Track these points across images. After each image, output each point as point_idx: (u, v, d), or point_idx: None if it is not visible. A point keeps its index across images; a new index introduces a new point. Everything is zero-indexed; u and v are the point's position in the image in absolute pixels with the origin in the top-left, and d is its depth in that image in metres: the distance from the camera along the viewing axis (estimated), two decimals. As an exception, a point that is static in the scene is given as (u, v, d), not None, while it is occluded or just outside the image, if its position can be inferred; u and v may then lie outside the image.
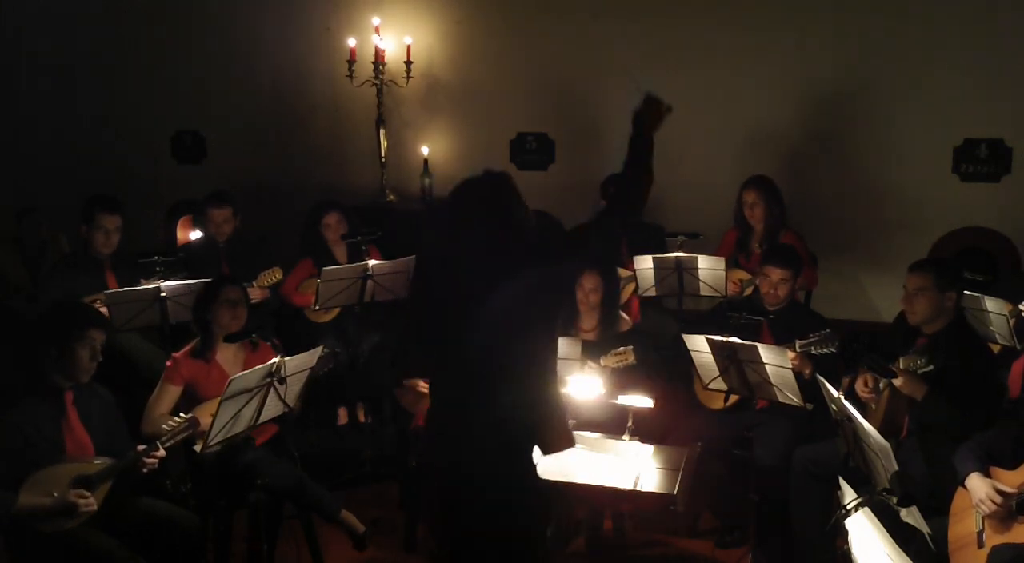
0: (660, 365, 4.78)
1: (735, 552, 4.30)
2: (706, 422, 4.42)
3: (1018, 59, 5.98)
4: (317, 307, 5.14)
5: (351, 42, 6.67)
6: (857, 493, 3.07)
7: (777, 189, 5.60)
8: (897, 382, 3.79)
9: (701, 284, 5.25)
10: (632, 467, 3.75)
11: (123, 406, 3.86)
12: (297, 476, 3.95)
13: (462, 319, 2.90)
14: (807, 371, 4.14)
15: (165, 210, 7.03)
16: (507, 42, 6.85)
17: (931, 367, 3.82)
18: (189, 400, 4.04)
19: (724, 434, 4.31)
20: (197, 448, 3.69)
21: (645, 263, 5.24)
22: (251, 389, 3.58)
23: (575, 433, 3.96)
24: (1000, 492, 3.25)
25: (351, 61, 6.64)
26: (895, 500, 3.05)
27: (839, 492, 3.12)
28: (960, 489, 3.43)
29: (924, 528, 3.18)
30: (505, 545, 2.96)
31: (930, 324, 3.95)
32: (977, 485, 3.31)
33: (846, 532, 2.93)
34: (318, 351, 3.90)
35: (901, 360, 3.88)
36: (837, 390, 3.46)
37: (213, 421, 3.49)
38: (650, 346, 4.67)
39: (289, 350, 3.99)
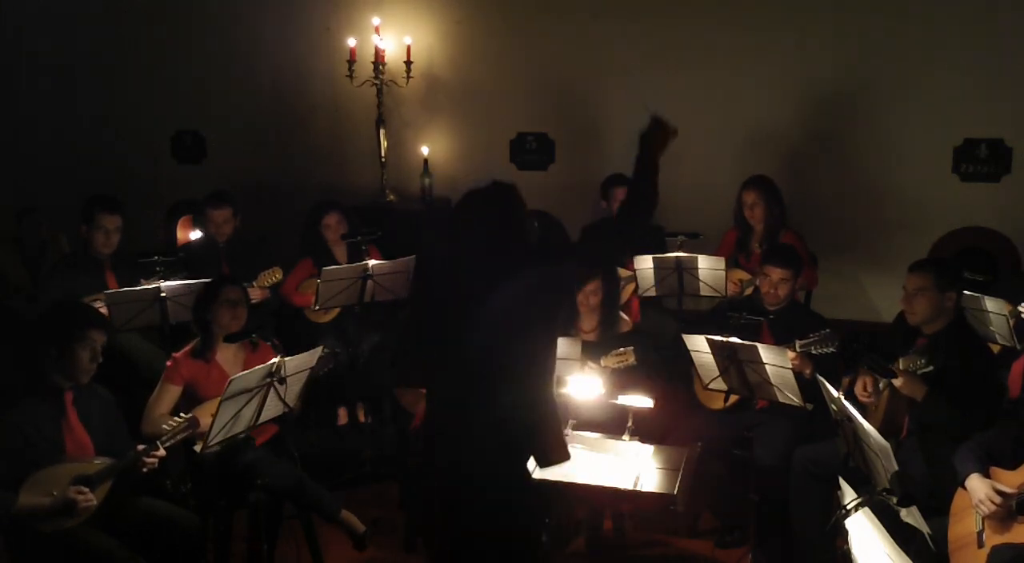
0: (660, 365, 4.78)
1: (735, 552, 4.30)
2: (706, 422, 4.42)
3: (1018, 59, 5.98)
4: (317, 307, 5.14)
5: (351, 42, 6.67)
6: (857, 493, 3.07)
7: (777, 189, 5.60)
8: (897, 382, 3.79)
9: (701, 284, 5.25)
10: (632, 467, 3.75)
11: (123, 406, 3.86)
12: (297, 476, 3.95)
13: (462, 319, 2.90)
14: (807, 371, 4.14)
15: (165, 210, 7.03)
16: (507, 42, 6.85)
17: (931, 367, 3.82)
18: (189, 400, 4.04)
19: (724, 434, 4.31)
20: (197, 448, 3.69)
21: (645, 263, 5.24)
22: (251, 389, 3.58)
23: (576, 433, 3.99)
24: (1000, 492, 3.25)
25: (351, 61, 6.64)
26: (895, 500, 3.05)
27: (839, 492, 3.12)
28: (960, 489, 3.43)
29: (924, 528, 3.18)
30: (505, 545, 2.96)
31: (930, 324, 3.95)
32: (977, 486, 3.31)
33: (846, 532, 2.93)
34: (318, 351, 3.90)
35: (901, 360, 3.88)
36: (837, 390, 3.46)
37: (213, 421, 3.49)
38: (650, 346, 4.67)
39: (289, 350, 3.99)
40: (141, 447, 3.56)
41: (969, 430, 3.60)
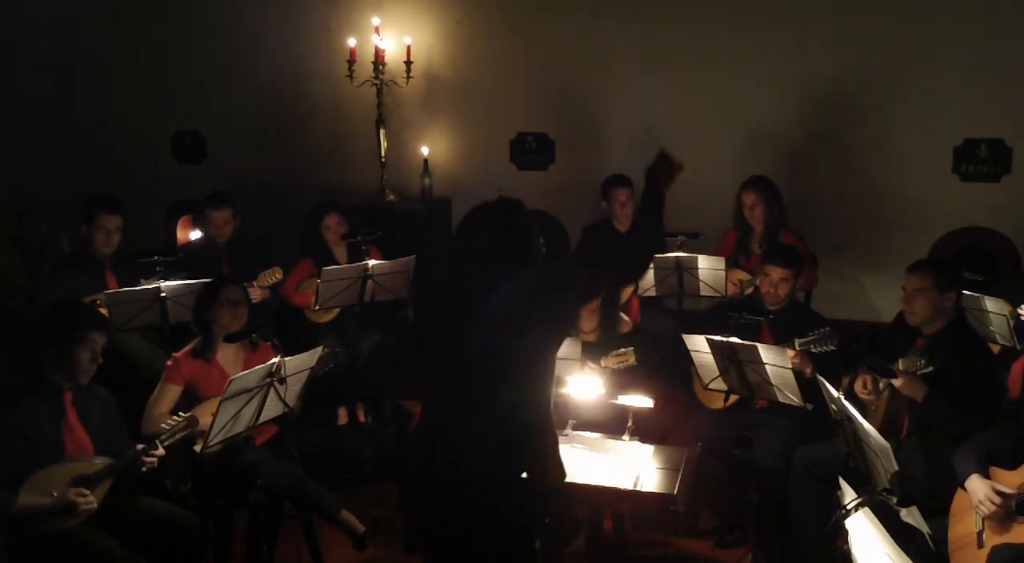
0: (660, 365, 4.79)
1: (735, 552, 4.30)
2: (706, 422, 4.42)
3: (1018, 59, 5.98)
4: (317, 307, 5.14)
5: (351, 42, 6.67)
6: (857, 493, 3.07)
7: (776, 189, 5.60)
8: (897, 383, 3.79)
9: (701, 284, 5.25)
10: (632, 467, 3.75)
11: (123, 406, 3.86)
12: (297, 476, 3.96)
13: (462, 319, 2.90)
14: (807, 370, 4.14)
15: (165, 210, 7.04)
16: (507, 42, 6.85)
17: (930, 368, 3.82)
18: (189, 400, 4.04)
19: (724, 434, 4.31)
20: (197, 448, 3.68)
21: (645, 263, 5.24)
22: (251, 389, 3.58)
23: (576, 433, 4.00)
24: (999, 493, 3.25)
25: (351, 61, 6.64)
26: (895, 500, 3.05)
27: (839, 492, 3.12)
28: (960, 489, 3.43)
29: (924, 528, 3.18)
30: (505, 545, 2.96)
31: (929, 324, 3.95)
32: (976, 486, 3.31)
33: (846, 532, 2.93)
34: (318, 351, 3.90)
35: (901, 361, 3.87)
36: (837, 390, 3.46)
37: (213, 421, 3.49)
38: (650, 346, 4.67)
39: (289, 350, 3.99)
40: (140, 446, 3.56)
41: (969, 430, 3.60)
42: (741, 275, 5.46)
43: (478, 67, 6.95)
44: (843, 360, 4.28)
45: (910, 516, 3.16)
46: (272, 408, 3.74)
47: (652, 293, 5.34)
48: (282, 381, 3.67)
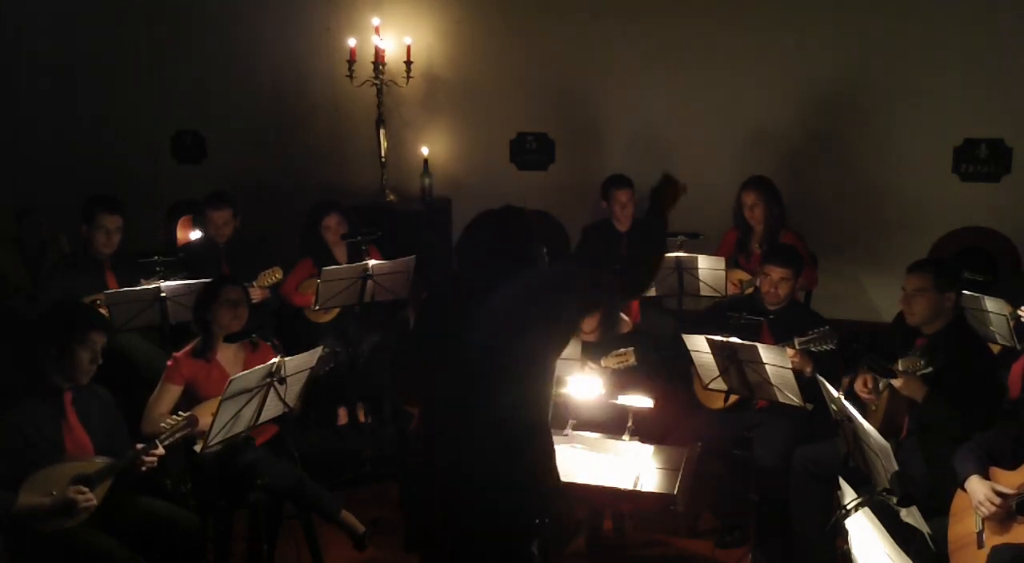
0: (660, 365, 4.79)
1: (735, 552, 4.30)
2: (706, 422, 4.42)
3: (1018, 59, 5.98)
4: (317, 307, 5.14)
5: (351, 42, 6.67)
6: (857, 493, 3.07)
7: (776, 189, 5.60)
8: (897, 383, 3.79)
9: (701, 284, 5.25)
10: (632, 467, 3.75)
11: (123, 406, 3.86)
12: (297, 476, 3.95)
13: (462, 319, 2.90)
14: (807, 369, 4.14)
15: (165, 210, 7.03)
16: (507, 42, 6.85)
17: (930, 368, 3.82)
18: (189, 400, 4.04)
19: (724, 434, 4.31)
20: (197, 448, 3.68)
21: (645, 263, 5.23)
22: (251, 389, 3.58)
23: (576, 433, 4.00)
24: (999, 494, 3.25)
25: (351, 61, 6.64)
26: (895, 500, 3.05)
27: (839, 492, 3.12)
28: (960, 489, 3.43)
29: (924, 528, 3.18)
30: (504, 545, 2.96)
31: (929, 325, 3.95)
32: (976, 488, 3.31)
33: (846, 532, 2.93)
34: (318, 351, 3.90)
35: (900, 362, 3.87)
36: (837, 390, 3.46)
37: (213, 421, 3.49)
38: (650, 346, 4.67)
39: (289, 350, 3.99)
40: (140, 446, 3.56)
41: (969, 430, 3.60)
42: (741, 275, 5.46)
43: (478, 67, 6.95)
44: (843, 360, 4.28)
45: (910, 516, 3.16)
46: (272, 408, 3.74)
47: (652, 293, 5.33)
48: (282, 381, 3.67)
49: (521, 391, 2.88)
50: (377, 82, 6.69)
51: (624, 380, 4.24)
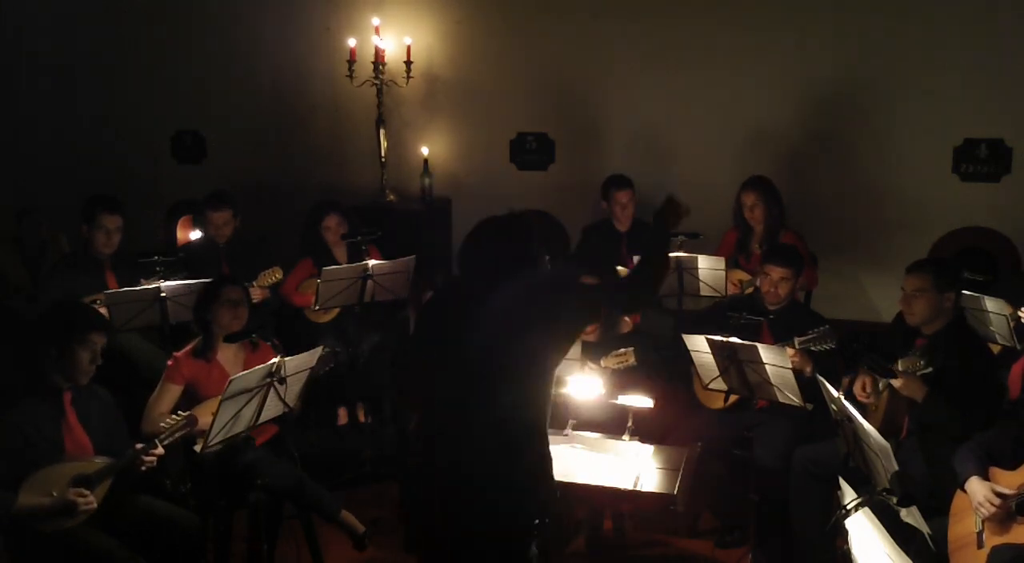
0: (660, 365, 4.78)
1: (735, 552, 4.30)
2: (706, 422, 4.42)
3: (1018, 59, 5.98)
4: (317, 307, 5.14)
5: (351, 42, 6.67)
6: (857, 493, 3.07)
7: (776, 189, 5.60)
8: (897, 383, 3.79)
9: (701, 284, 5.25)
10: (632, 467, 3.75)
11: (123, 406, 3.86)
12: (297, 476, 3.95)
13: (462, 319, 2.90)
14: (807, 369, 4.14)
15: (165, 210, 7.03)
16: (507, 42, 6.85)
17: (930, 368, 3.82)
18: (189, 400, 4.04)
19: (724, 434, 4.31)
20: (197, 448, 3.68)
21: (645, 263, 5.23)
22: (251, 389, 3.58)
23: (576, 433, 4.00)
24: (999, 494, 3.25)
25: (351, 61, 6.63)
26: (895, 500, 3.05)
27: (839, 492, 3.12)
28: (960, 489, 3.43)
29: (924, 528, 3.18)
30: (505, 545, 2.96)
31: (929, 325, 3.95)
32: (976, 488, 3.31)
33: (846, 532, 2.93)
34: (318, 351, 3.90)
35: (900, 361, 3.87)
36: (837, 390, 3.46)
37: (213, 421, 3.49)
38: (650, 346, 4.67)
39: (289, 350, 3.99)
40: (140, 445, 3.56)
41: (969, 430, 3.60)
42: (741, 275, 5.46)
43: (478, 67, 6.95)
44: (843, 360, 4.28)
45: (910, 516, 3.16)
46: (272, 408, 3.74)
47: (652, 293, 5.33)
48: (282, 381, 3.67)
49: (521, 391, 2.89)
50: (377, 82, 6.69)
51: (624, 380, 4.24)
